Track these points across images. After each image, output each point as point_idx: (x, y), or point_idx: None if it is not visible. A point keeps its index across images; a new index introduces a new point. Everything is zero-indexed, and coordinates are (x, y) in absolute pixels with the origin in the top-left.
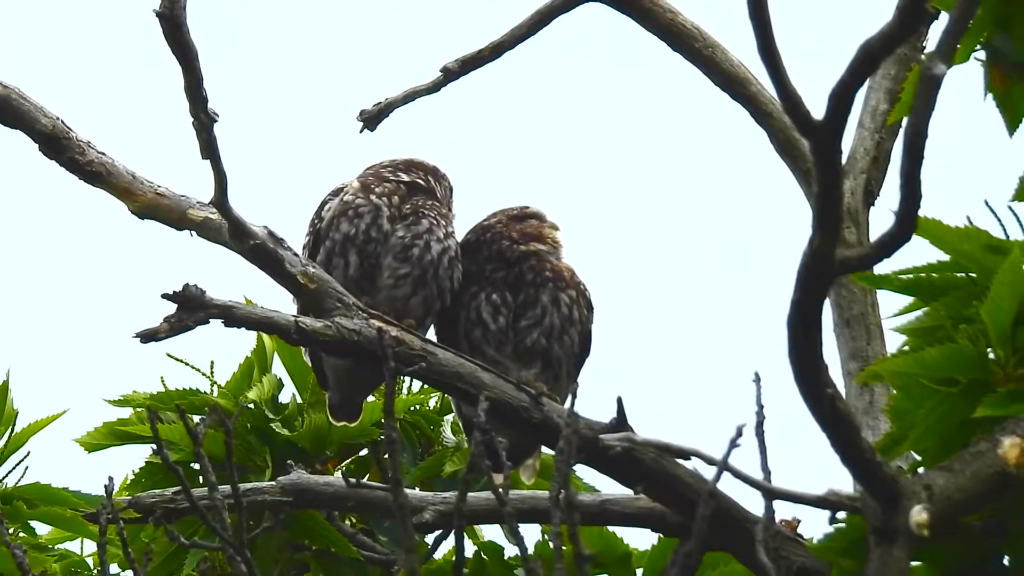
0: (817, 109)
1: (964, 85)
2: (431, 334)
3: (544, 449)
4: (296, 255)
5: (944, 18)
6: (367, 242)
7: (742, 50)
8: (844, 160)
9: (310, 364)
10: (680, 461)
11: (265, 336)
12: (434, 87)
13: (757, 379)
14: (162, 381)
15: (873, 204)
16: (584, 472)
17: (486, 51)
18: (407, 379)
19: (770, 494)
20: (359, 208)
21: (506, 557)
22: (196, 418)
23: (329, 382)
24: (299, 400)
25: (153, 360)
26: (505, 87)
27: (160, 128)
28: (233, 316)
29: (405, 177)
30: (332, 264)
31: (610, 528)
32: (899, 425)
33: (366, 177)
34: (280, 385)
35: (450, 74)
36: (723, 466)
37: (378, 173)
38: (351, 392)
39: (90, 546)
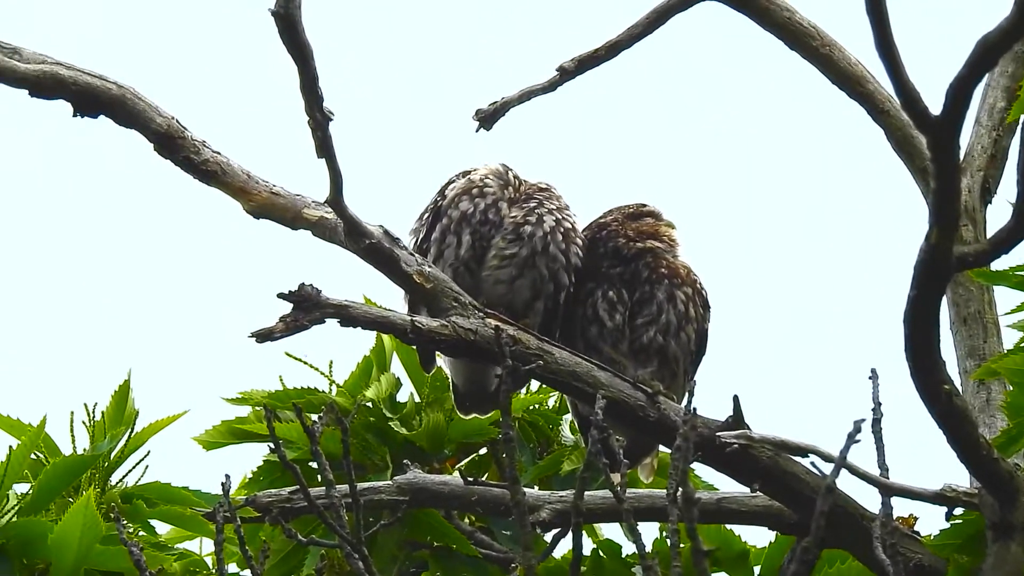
0: (935, 106)
1: None
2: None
3: (661, 448)
4: (412, 254)
5: None
6: (483, 223)
7: (859, 47)
8: (961, 158)
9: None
10: (797, 458)
11: (384, 335)
12: (550, 86)
13: (874, 376)
14: (280, 380)
15: (990, 202)
16: (701, 470)
17: (602, 50)
18: None
19: (887, 490)
20: (485, 188)
21: (624, 555)
22: (314, 416)
23: (453, 378)
24: (417, 399)
25: (272, 359)
26: (621, 86)
27: (275, 127)
28: (349, 315)
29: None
30: (445, 242)
31: (727, 526)
32: (1016, 422)
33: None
34: (398, 384)
35: (566, 73)
36: (840, 463)
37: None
38: (477, 385)
39: (208, 545)
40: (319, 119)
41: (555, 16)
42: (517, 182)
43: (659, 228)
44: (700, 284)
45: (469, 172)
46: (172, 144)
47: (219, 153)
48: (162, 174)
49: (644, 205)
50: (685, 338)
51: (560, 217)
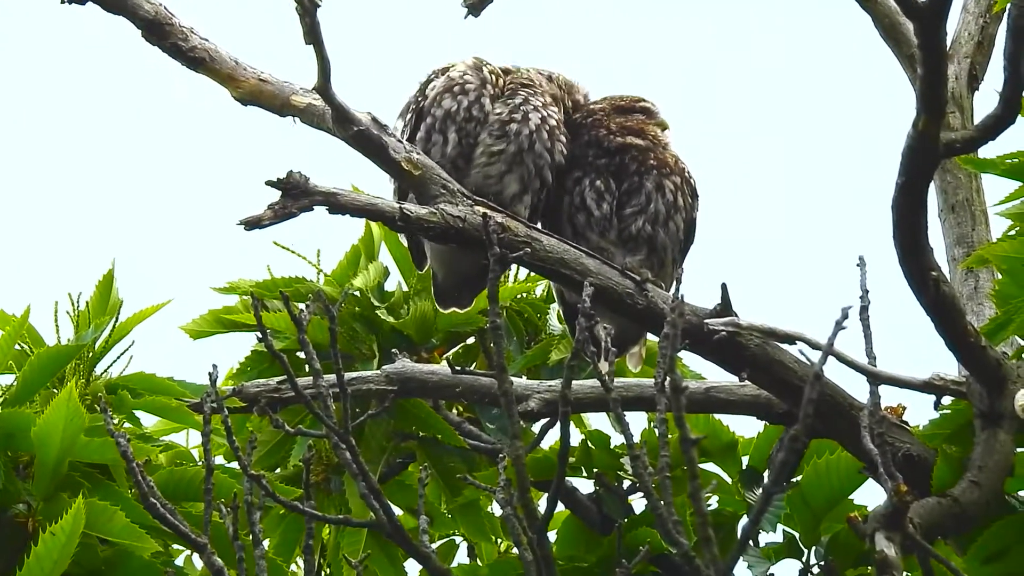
0: None
1: None
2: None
3: (649, 336)
4: (400, 141)
5: None
6: (467, 120)
7: None
8: (948, 44)
9: (405, 244)
10: (785, 346)
11: (373, 224)
12: None
13: (862, 263)
14: (268, 269)
15: (977, 89)
16: (690, 359)
17: None
18: (513, 267)
19: (875, 379)
20: (466, 85)
21: (612, 445)
22: (301, 306)
23: (435, 270)
24: (405, 288)
25: (259, 248)
26: None
27: (263, 14)
28: (337, 203)
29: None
30: (431, 141)
31: (715, 416)
32: (1004, 310)
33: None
34: (386, 273)
35: None
36: (828, 350)
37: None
38: (461, 278)
39: (195, 437)
40: (307, 5)
41: None
42: (494, 77)
43: (645, 126)
44: (688, 173)
45: (447, 69)
46: (160, 30)
47: (207, 40)
48: (150, 61)
49: (640, 100)
50: (674, 227)
51: (545, 115)
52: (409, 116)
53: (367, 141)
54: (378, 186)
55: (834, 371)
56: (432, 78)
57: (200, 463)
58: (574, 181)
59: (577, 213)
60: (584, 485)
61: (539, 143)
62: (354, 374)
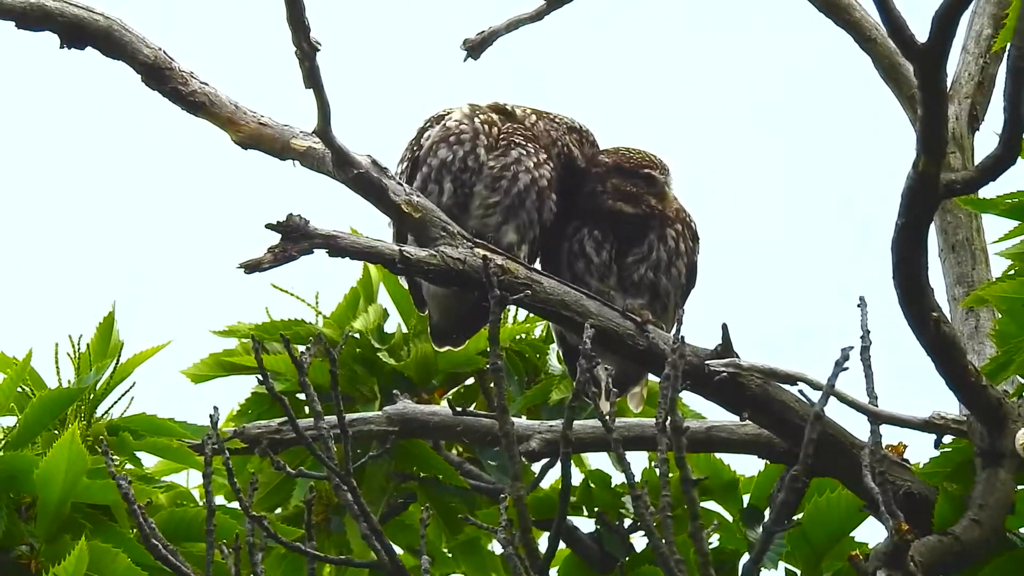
0: (921, 33)
1: None
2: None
3: (651, 377)
4: (400, 184)
5: None
6: (463, 170)
7: None
8: (948, 85)
9: (406, 286)
10: (786, 386)
11: (371, 266)
12: (537, 15)
13: (862, 303)
14: (267, 312)
15: (978, 129)
16: (690, 399)
17: None
18: (512, 308)
19: (876, 418)
20: (461, 135)
21: (613, 484)
22: (301, 348)
23: (430, 309)
24: (405, 329)
25: (258, 291)
26: (609, 15)
27: (263, 58)
28: (337, 245)
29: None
30: (427, 191)
31: (716, 455)
32: (1005, 349)
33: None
34: (386, 315)
35: (553, 2)
36: (829, 390)
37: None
38: (455, 318)
39: (196, 477)
40: (306, 50)
41: None
42: (488, 127)
43: (643, 194)
44: (689, 218)
45: (442, 117)
46: (160, 75)
47: (207, 84)
48: (150, 106)
49: (645, 166)
50: (676, 272)
51: (536, 175)
52: (405, 165)
53: (367, 184)
54: (378, 229)
55: (835, 410)
56: (427, 126)
57: (201, 503)
58: (574, 229)
59: (576, 260)
60: (585, 524)
61: (528, 202)
62: (355, 415)
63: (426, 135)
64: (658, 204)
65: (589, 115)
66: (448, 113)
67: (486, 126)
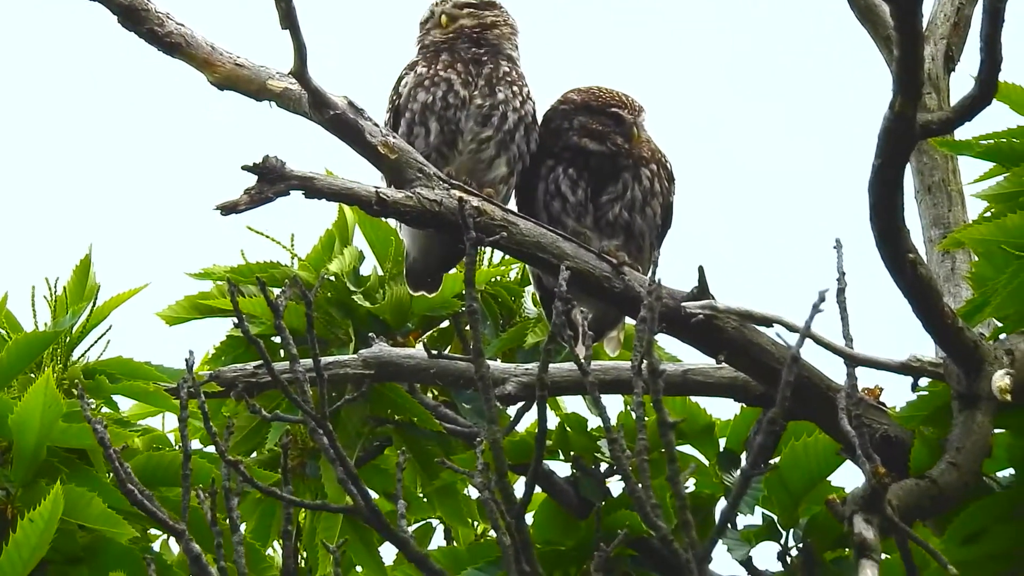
0: None
1: None
2: (512, 204)
3: (627, 321)
4: (376, 125)
5: None
6: (446, 108)
7: None
8: (924, 26)
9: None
10: (762, 329)
11: (346, 208)
12: None
13: (838, 245)
14: (242, 254)
15: (953, 70)
16: (666, 342)
17: None
18: (488, 250)
19: (852, 361)
20: (434, 78)
21: (589, 428)
22: (277, 291)
23: (408, 248)
24: (380, 272)
25: (234, 233)
26: None
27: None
28: (313, 187)
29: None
30: (413, 134)
31: (693, 398)
32: (981, 292)
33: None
34: (361, 257)
35: None
36: (805, 333)
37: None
38: (434, 257)
39: (172, 421)
40: None
41: None
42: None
43: (609, 133)
44: (665, 158)
45: (414, 63)
46: (136, 16)
47: (183, 25)
48: (126, 47)
49: (612, 104)
50: (651, 212)
51: (522, 114)
52: (388, 116)
53: (343, 125)
54: (354, 172)
55: (811, 353)
56: (404, 74)
57: (177, 447)
58: (548, 168)
59: (552, 200)
60: (561, 468)
61: (518, 135)
62: (331, 359)
63: (403, 82)
64: (625, 143)
65: (569, 52)
66: (416, 60)
67: (450, 70)
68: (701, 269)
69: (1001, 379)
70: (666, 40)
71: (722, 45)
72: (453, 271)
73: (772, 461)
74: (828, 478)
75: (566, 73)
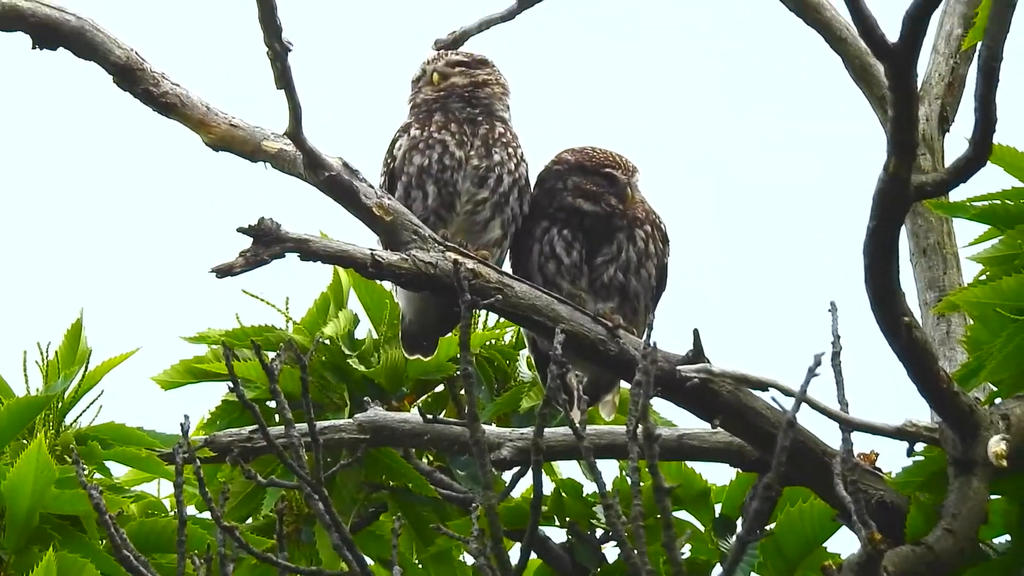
0: (892, 33)
1: None
2: (506, 266)
3: (622, 384)
4: (371, 187)
5: None
6: (443, 170)
7: None
8: (919, 86)
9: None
10: (757, 393)
11: (341, 271)
12: (508, 15)
13: (833, 308)
14: (237, 318)
15: (948, 130)
16: (662, 406)
17: None
18: (483, 313)
19: (848, 425)
20: (428, 140)
21: (585, 494)
22: (272, 354)
23: (403, 310)
24: (375, 336)
25: (228, 296)
26: (580, 14)
27: (235, 59)
28: (309, 249)
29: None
30: (411, 197)
31: (688, 463)
32: (976, 355)
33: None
34: (356, 321)
35: (524, 2)
36: (801, 397)
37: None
38: (429, 319)
39: (167, 487)
40: (278, 50)
41: None
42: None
43: (603, 194)
44: (659, 219)
45: (408, 125)
46: (131, 76)
47: (178, 85)
48: (120, 106)
49: (607, 165)
50: (646, 274)
51: (516, 176)
52: (383, 179)
53: (338, 187)
54: (350, 233)
55: (807, 418)
56: (398, 136)
57: (172, 513)
58: (543, 230)
59: (547, 261)
60: (557, 534)
61: (512, 198)
62: (326, 423)
63: (397, 144)
64: (619, 204)
65: (561, 113)
66: (410, 123)
67: (444, 131)
68: (696, 332)
69: (997, 444)
70: (662, 96)
71: (718, 102)
72: (448, 334)
73: (768, 527)
74: (824, 544)
75: (558, 113)
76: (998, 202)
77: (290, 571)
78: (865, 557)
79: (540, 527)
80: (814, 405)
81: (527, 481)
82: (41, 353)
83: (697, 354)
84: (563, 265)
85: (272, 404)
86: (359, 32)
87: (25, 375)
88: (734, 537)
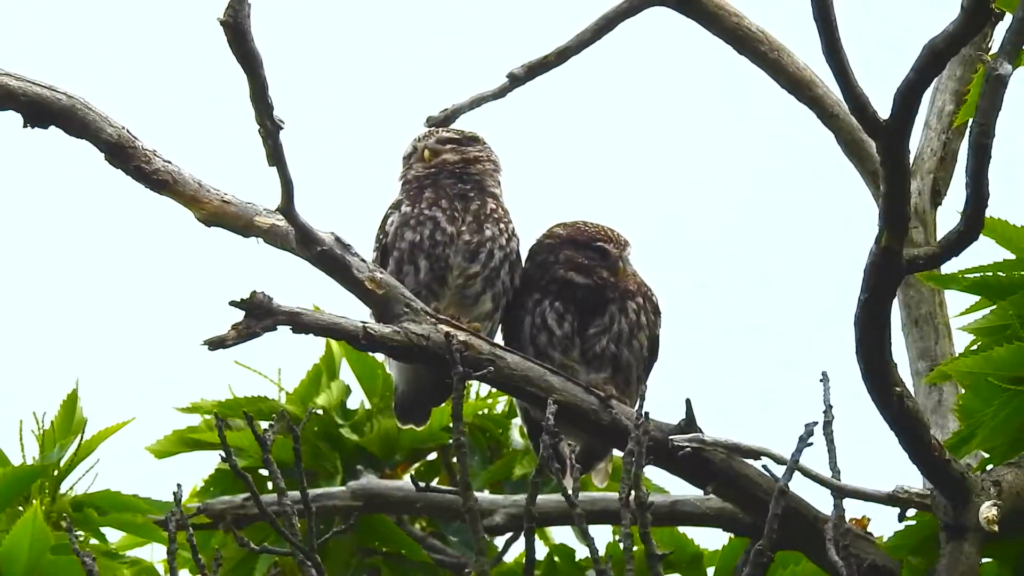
0: (884, 110)
1: None
2: (498, 337)
3: (615, 452)
4: (363, 261)
5: (1009, 18)
6: (434, 246)
7: (808, 52)
8: (911, 160)
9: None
10: (750, 461)
11: (334, 342)
12: (500, 92)
13: (825, 378)
14: (230, 388)
15: (940, 204)
16: (654, 473)
17: (552, 56)
18: (475, 383)
19: (840, 492)
20: (419, 216)
21: (577, 559)
22: (264, 424)
23: (396, 380)
24: (367, 405)
25: (221, 367)
26: (571, 93)
27: (226, 136)
28: (300, 322)
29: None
30: (403, 272)
31: (680, 529)
32: (968, 423)
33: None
34: (348, 391)
35: (516, 80)
36: (793, 465)
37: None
38: (421, 389)
39: (160, 552)
40: (270, 127)
41: (505, 22)
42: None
43: (595, 267)
44: (650, 291)
45: (399, 202)
46: (123, 153)
47: (170, 162)
48: (113, 184)
49: (598, 239)
50: (638, 345)
51: (507, 251)
52: (375, 255)
53: (331, 261)
54: (341, 305)
55: (799, 484)
56: (389, 212)
57: None
58: (535, 302)
59: (539, 333)
60: None
61: (503, 272)
62: (319, 491)
63: (389, 222)
64: (611, 277)
65: (552, 187)
66: (401, 199)
67: (435, 208)
68: (688, 402)
69: (988, 510)
70: (654, 173)
71: (710, 178)
72: (441, 404)
73: None
74: None
75: (550, 188)
76: (990, 274)
77: None
78: None
79: None
80: (806, 473)
81: (520, 546)
82: (37, 422)
83: (689, 423)
84: (555, 336)
85: (265, 472)
86: (351, 108)
87: (21, 444)
88: None
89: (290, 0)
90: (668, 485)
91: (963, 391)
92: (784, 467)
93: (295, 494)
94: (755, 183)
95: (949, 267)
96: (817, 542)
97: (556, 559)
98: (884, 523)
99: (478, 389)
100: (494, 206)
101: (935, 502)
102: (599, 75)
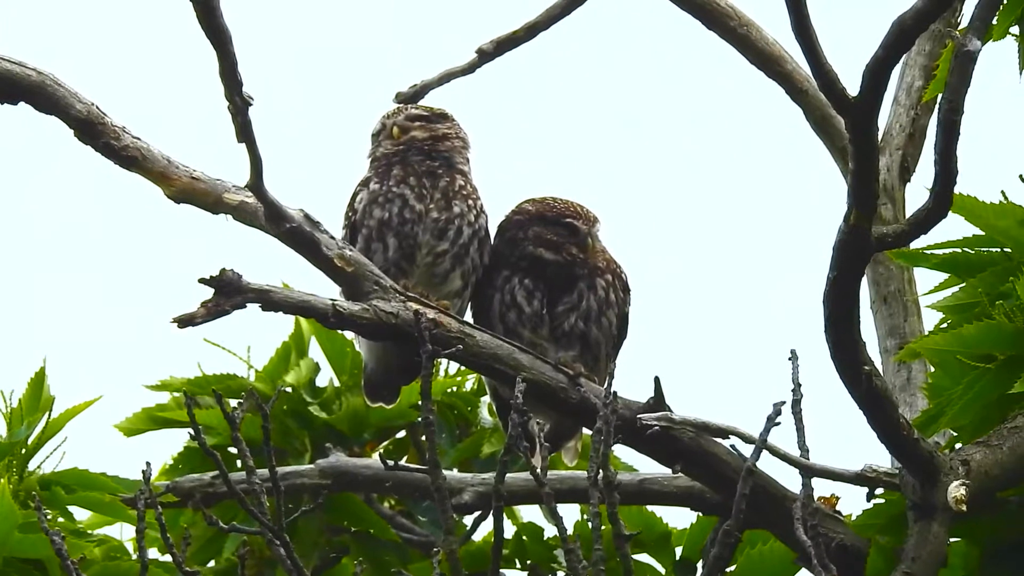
0: (852, 86)
1: (999, 61)
2: (468, 316)
3: (584, 430)
4: (332, 238)
5: None
6: (403, 223)
7: (777, 28)
8: (880, 137)
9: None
10: (718, 440)
11: (303, 320)
12: (469, 68)
13: (794, 356)
14: (199, 366)
15: (909, 180)
16: (622, 452)
17: (521, 31)
18: (444, 361)
19: (808, 471)
20: (388, 194)
21: (545, 537)
22: (233, 402)
23: (365, 358)
24: (336, 383)
25: (190, 345)
26: (540, 68)
27: (195, 112)
28: (270, 300)
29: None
30: (371, 250)
31: (649, 507)
32: (936, 402)
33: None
34: (317, 369)
35: (485, 55)
36: (761, 444)
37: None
38: (391, 368)
39: (129, 531)
40: (239, 104)
41: None
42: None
43: (563, 243)
44: (619, 269)
45: (368, 179)
46: (92, 130)
47: (139, 139)
48: (82, 160)
49: (567, 216)
50: (607, 323)
51: (476, 228)
52: (344, 232)
53: (299, 238)
54: (311, 284)
55: (767, 463)
56: (359, 190)
57: (134, 557)
58: (504, 279)
59: (508, 311)
60: None
61: (472, 248)
62: (288, 469)
63: (358, 199)
64: (580, 253)
65: (521, 163)
66: (370, 177)
67: (403, 184)
68: (657, 380)
69: (956, 490)
70: (622, 147)
71: (678, 152)
72: (410, 382)
73: (728, 570)
74: None
75: (519, 164)
76: (959, 251)
77: None
78: None
79: (501, 570)
80: (774, 452)
81: (488, 525)
82: (4, 401)
83: (658, 402)
84: (524, 314)
85: (234, 450)
86: (320, 84)
87: None
88: None
89: None
90: (636, 463)
91: (932, 369)
92: (753, 446)
93: (264, 472)
94: (724, 159)
95: (918, 244)
96: (785, 521)
97: (524, 538)
98: (853, 502)
99: (447, 367)
100: (463, 183)
101: (903, 481)
102: (568, 50)
